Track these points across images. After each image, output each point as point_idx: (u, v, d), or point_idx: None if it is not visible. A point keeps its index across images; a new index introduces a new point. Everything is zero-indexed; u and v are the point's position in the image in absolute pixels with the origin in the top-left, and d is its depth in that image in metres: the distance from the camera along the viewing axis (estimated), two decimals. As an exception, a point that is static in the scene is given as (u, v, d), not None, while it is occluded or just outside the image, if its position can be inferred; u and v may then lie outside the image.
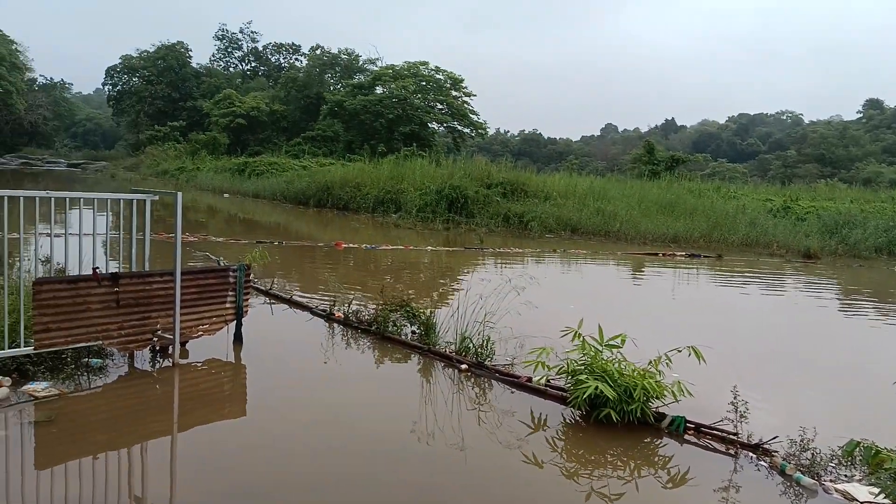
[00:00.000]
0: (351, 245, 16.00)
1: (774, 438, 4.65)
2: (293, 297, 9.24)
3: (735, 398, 4.87)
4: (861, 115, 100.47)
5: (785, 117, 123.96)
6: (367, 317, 7.86)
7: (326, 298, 9.21)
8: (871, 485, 3.90)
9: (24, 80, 69.30)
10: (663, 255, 17.50)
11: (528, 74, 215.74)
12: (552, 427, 5.25)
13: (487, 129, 59.69)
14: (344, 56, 61.96)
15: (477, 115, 53.43)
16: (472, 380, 6.35)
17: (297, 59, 73.00)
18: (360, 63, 61.23)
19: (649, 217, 22.08)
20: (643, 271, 15.07)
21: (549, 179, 27.90)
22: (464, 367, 6.54)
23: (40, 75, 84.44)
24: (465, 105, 52.72)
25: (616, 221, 21.34)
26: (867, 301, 12.84)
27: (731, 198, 27.25)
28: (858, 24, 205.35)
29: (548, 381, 5.89)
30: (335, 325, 8.02)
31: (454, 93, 52.67)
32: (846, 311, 11.92)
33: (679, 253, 17.82)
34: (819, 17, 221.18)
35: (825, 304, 12.31)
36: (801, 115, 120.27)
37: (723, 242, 19.92)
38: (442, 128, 54.63)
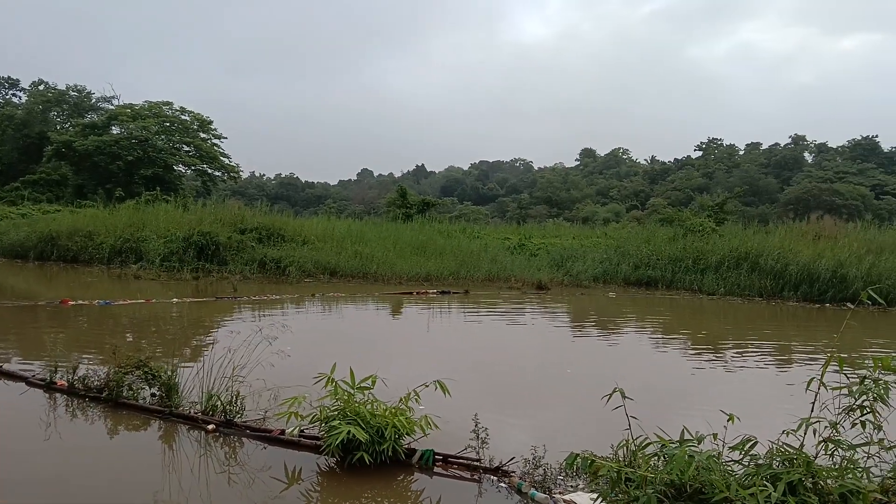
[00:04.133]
0: (80, 302, 14.22)
1: (512, 460, 5.03)
2: (2, 367, 7.90)
3: (476, 426, 5.19)
4: (579, 162, 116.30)
5: (518, 164, 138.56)
6: (97, 382, 6.99)
7: (50, 366, 8.02)
8: (591, 492, 4.38)
9: None
10: (417, 293, 18.28)
11: (287, 119, 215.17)
12: (307, 479, 5.10)
13: (241, 173, 57.77)
14: (73, 93, 55.81)
15: (228, 157, 51.52)
16: (221, 440, 5.94)
17: (14, 94, 64.02)
18: (93, 101, 55.68)
19: (404, 258, 23.00)
20: (400, 310, 15.58)
21: (308, 223, 27.77)
22: (211, 427, 6.10)
23: None
24: (215, 147, 50.52)
25: (373, 263, 21.85)
26: (592, 323, 14.68)
27: (475, 237, 29.56)
28: (575, 85, 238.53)
29: (301, 431, 5.73)
30: (58, 395, 7.01)
31: (202, 135, 50.25)
32: (577, 332, 13.47)
33: (432, 291, 18.75)
34: (548, 77, 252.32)
35: (560, 327, 13.80)
36: (532, 162, 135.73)
37: (469, 279, 21.45)
38: (190, 171, 51.62)
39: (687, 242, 23.50)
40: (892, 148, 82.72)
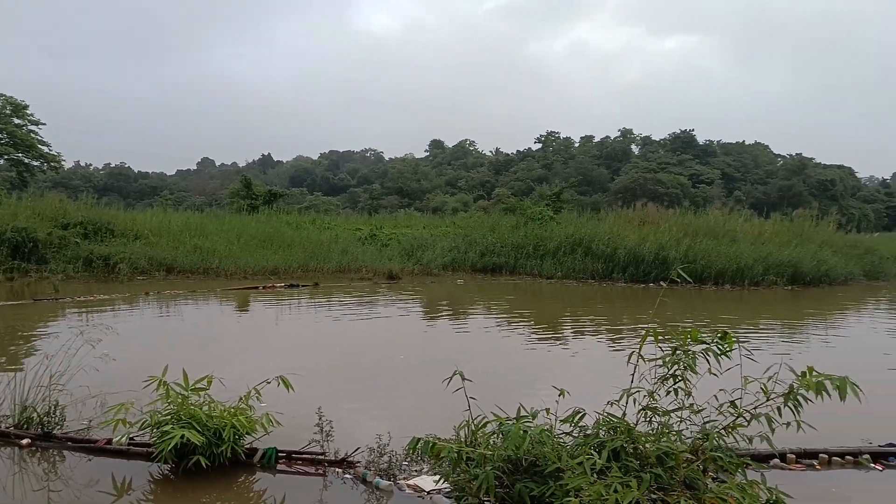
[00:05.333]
0: None
1: (357, 450, 5.00)
2: None
3: (320, 419, 5.10)
4: (428, 153, 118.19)
5: (370, 155, 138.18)
6: None
7: None
8: (435, 474, 4.47)
9: None
10: (264, 287, 17.65)
11: (119, 105, 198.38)
12: (138, 488, 4.75)
13: (63, 162, 52.41)
14: None
15: (48, 145, 46.48)
16: (38, 454, 5.37)
17: None
18: None
19: (249, 251, 22.09)
20: (244, 306, 14.96)
21: (140, 216, 25.75)
22: (25, 441, 5.50)
23: None
24: (32, 134, 45.40)
25: (215, 257, 20.76)
26: (442, 310, 14.98)
27: (325, 228, 29.07)
28: (424, 77, 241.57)
29: (131, 439, 5.32)
30: None
31: (17, 120, 44.96)
32: (429, 319, 13.67)
33: (279, 284, 18.20)
34: (398, 69, 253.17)
35: (411, 315, 13.93)
36: (383, 152, 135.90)
37: (319, 271, 21.06)
38: (2, 160, 46.06)
39: (528, 230, 24.69)
40: (706, 141, 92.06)
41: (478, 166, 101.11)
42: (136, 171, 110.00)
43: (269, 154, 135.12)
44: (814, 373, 3.84)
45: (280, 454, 5.11)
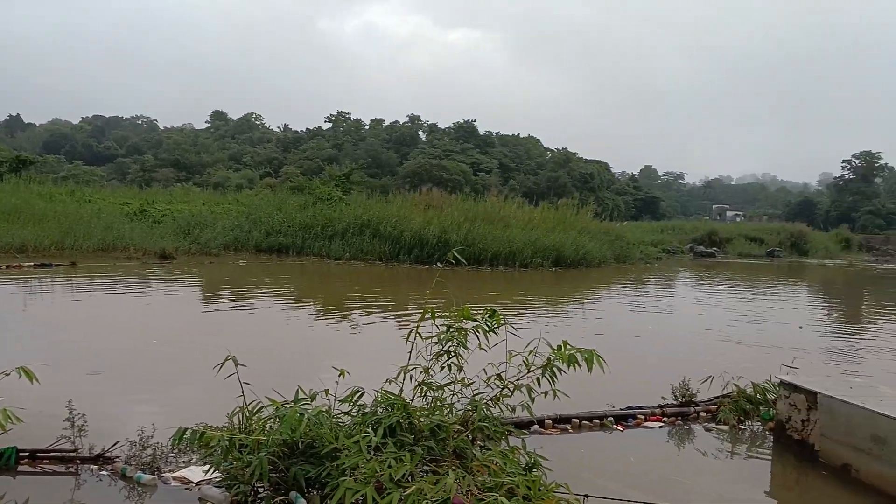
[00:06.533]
0: None
1: (116, 444, 4.56)
2: None
3: (71, 413, 4.56)
4: (209, 124, 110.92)
5: (141, 122, 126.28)
6: None
7: None
8: (205, 464, 4.21)
9: None
10: (8, 267, 15.37)
11: None
12: None
13: None
14: None
15: None
16: None
17: None
18: None
19: (-11, 224, 19.08)
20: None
21: None
22: None
23: None
24: None
25: (-59, 231, 17.62)
26: (223, 292, 14.19)
27: (86, 202, 26.09)
28: (205, 42, 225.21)
29: None
30: None
31: None
32: (206, 302, 12.85)
33: (27, 263, 15.95)
34: (175, 30, 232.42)
35: (188, 298, 13.01)
36: (157, 121, 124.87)
37: (78, 249, 18.81)
38: None
39: (317, 210, 24.36)
40: (486, 132, 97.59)
41: (265, 142, 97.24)
42: None
43: (17, 115, 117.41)
44: (567, 346, 4.26)
45: (22, 453, 4.49)
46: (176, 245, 20.29)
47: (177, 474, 4.27)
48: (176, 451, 4.52)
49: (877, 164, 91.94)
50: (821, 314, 16.26)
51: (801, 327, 12.68)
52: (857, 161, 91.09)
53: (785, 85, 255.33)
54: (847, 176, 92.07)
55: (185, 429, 3.87)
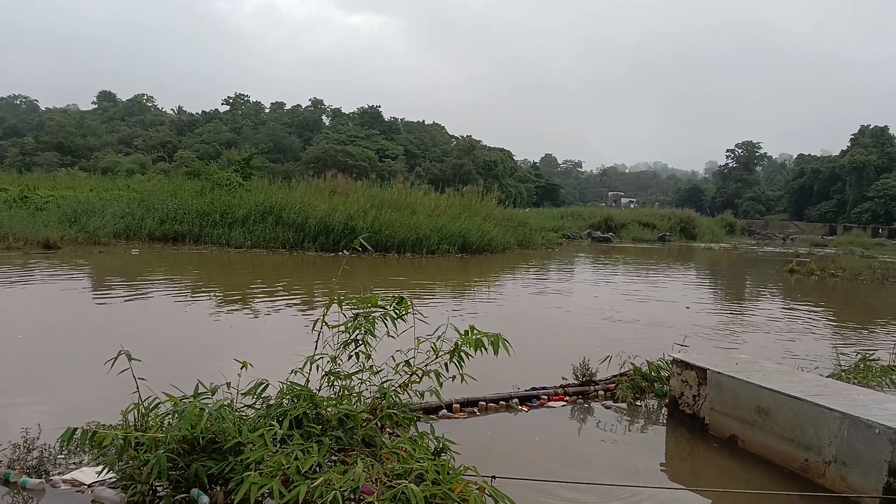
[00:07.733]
0: None
1: (-5, 448, 4.24)
2: None
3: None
4: (97, 106, 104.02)
5: (20, 102, 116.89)
6: None
7: None
8: (98, 465, 3.99)
9: None
10: None
11: None
12: None
13: None
14: None
15: None
16: None
17: None
18: None
19: None
20: None
21: None
22: None
23: None
24: None
25: None
26: (114, 283, 13.40)
27: (-45, 187, 23.91)
28: (83, 14, 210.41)
29: None
30: None
31: None
32: (95, 294, 12.10)
33: None
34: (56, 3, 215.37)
35: (75, 290, 12.18)
36: (37, 101, 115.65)
37: (-53, 238, 17.24)
38: None
39: (215, 196, 23.43)
40: (391, 118, 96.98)
41: (157, 125, 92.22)
42: None
43: None
44: (474, 331, 4.33)
45: None
46: (61, 234, 18.95)
47: (67, 477, 4.03)
48: (65, 452, 4.26)
49: (757, 154, 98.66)
50: (707, 294, 17.35)
51: (687, 307, 13.50)
52: (739, 150, 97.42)
53: (676, 78, 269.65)
54: (730, 164, 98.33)
55: (75, 428, 3.64)
